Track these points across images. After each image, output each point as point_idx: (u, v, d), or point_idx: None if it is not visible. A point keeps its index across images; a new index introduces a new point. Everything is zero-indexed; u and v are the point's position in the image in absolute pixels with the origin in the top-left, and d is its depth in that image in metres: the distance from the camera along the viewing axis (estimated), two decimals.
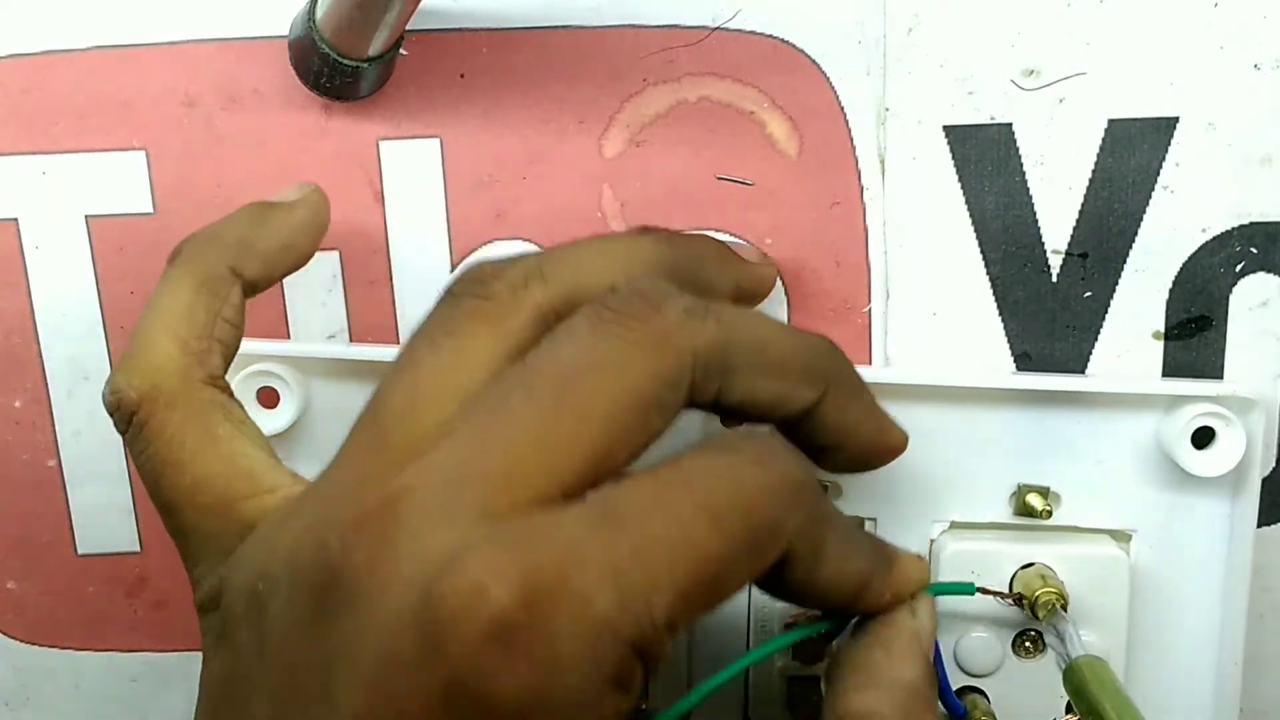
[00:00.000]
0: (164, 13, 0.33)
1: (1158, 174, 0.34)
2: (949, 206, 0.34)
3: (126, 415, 0.28)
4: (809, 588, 0.26)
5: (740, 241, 0.34)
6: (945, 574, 0.33)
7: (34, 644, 0.37)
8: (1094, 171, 0.34)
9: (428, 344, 0.25)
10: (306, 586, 0.23)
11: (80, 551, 0.36)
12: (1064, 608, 0.32)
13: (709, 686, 0.26)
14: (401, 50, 0.32)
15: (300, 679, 0.22)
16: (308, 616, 0.22)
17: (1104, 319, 0.35)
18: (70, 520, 0.36)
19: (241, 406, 0.28)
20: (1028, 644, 0.33)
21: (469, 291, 0.26)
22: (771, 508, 0.24)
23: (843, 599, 0.27)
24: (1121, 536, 0.34)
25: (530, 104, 0.34)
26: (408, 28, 0.32)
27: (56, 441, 0.35)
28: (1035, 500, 0.34)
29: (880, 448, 0.28)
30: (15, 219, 0.34)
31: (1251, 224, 0.34)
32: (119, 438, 0.35)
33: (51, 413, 0.35)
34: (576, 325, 0.25)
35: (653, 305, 0.25)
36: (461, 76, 0.34)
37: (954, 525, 0.34)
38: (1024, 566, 0.33)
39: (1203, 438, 0.33)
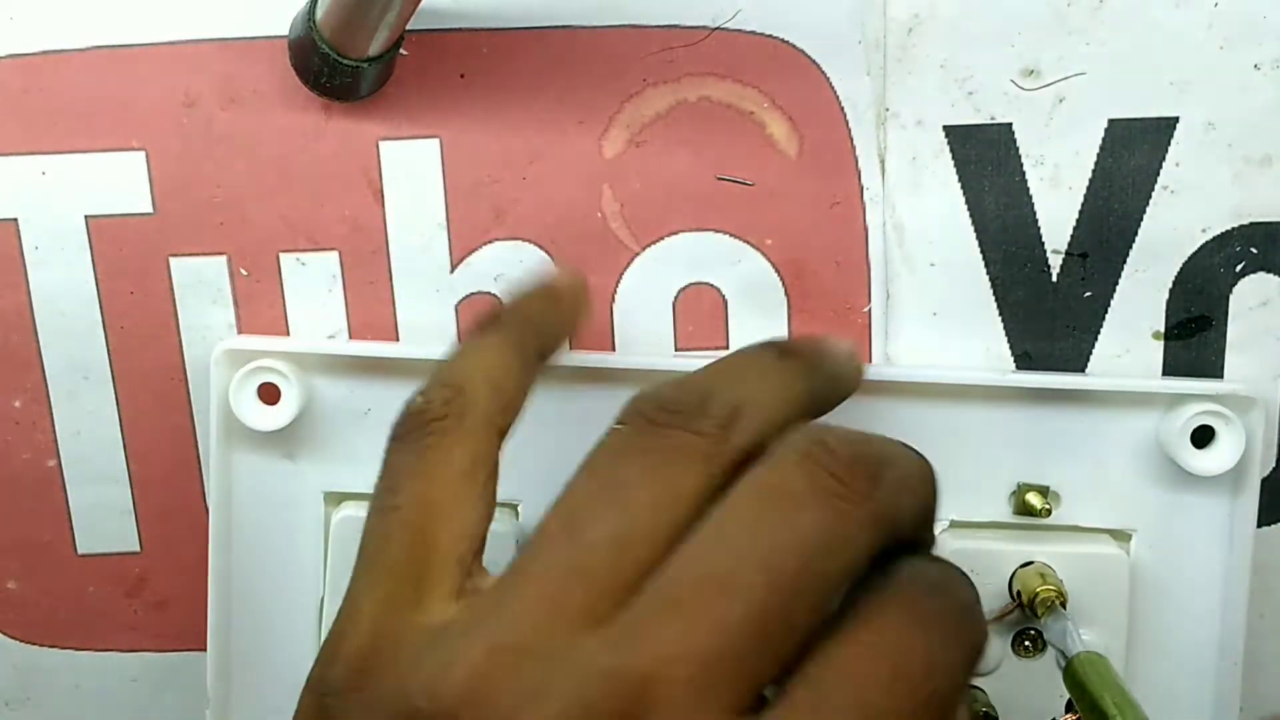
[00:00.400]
0: (164, 13, 0.33)
1: (1158, 174, 0.34)
2: (949, 206, 0.34)
3: (421, 424, 0.26)
4: None
5: (838, 343, 0.31)
6: None
7: (34, 644, 0.37)
8: (1094, 171, 0.34)
9: (644, 470, 0.24)
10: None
11: (80, 551, 0.36)
12: (1063, 605, 0.32)
13: None
14: (401, 50, 0.32)
15: None
16: None
17: (1104, 319, 0.35)
18: (70, 520, 0.36)
19: (497, 474, 0.27)
20: (1026, 643, 0.33)
21: (678, 424, 0.25)
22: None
23: None
24: (1121, 536, 0.34)
25: (530, 104, 0.34)
26: (408, 28, 0.32)
27: (56, 441, 0.35)
28: (1034, 499, 0.34)
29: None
30: (15, 219, 0.34)
31: (1251, 224, 0.34)
32: (119, 437, 0.35)
33: (51, 413, 0.35)
34: (798, 488, 0.23)
35: (872, 478, 0.23)
36: (461, 76, 0.34)
37: (954, 524, 0.34)
38: (1023, 565, 0.33)
39: (1202, 437, 0.33)
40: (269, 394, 0.33)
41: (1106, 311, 0.35)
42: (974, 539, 0.34)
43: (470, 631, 0.22)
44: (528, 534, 0.33)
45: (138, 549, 0.36)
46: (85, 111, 0.33)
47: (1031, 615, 0.32)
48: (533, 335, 0.29)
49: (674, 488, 0.24)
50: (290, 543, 0.34)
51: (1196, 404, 0.33)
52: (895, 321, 0.35)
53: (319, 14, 0.31)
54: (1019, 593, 0.33)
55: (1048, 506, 0.33)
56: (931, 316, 0.35)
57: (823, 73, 0.34)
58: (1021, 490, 0.34)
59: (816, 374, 0.28)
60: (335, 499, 0.34)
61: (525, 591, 0.23)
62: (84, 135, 0.33)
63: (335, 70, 0.32)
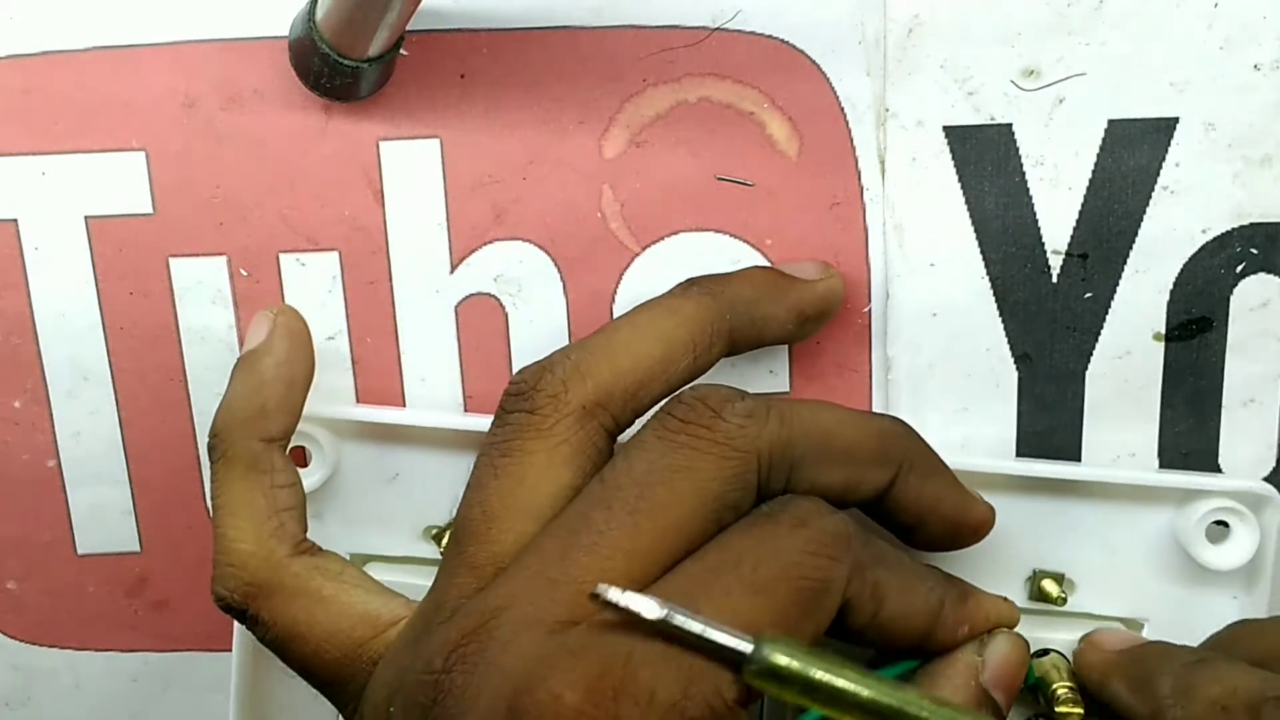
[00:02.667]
0: (164, 13, 0.33)
1: (1158, 174, 0.34)
2: (949, 206, 0.34)
3: (239, 614, 0.29)
4: (876, 629, 0.27)
5: (759, 258, 0.34)
6: None
7: (34, 644, 0.37)
8: (1094, 171, 0.34)
9: (489, 469, 0.27)
10: (416, 704, 0.25)
11: (80, 551, 0.36)
12: (1080, 710, 0.31)
13: None
14: (401, 50, 0.32)
15: None
16: None
17: (1104, 320, 0.35)
18: (70, 520, 0.36)
19: (337, 557, 0.30)
20: None
21: (515, 408, 0.28)
22: (815, 567, 0.25)
23: (914, 634, 0.28)
24: (1133, 625, 0.34)
25: (530, 104, 0.34)
26: (408, 28, 0.32)
27: (56, 441, 0.35)
28: (1050, 586, 0.33)
29: (961, 523, 0.29)
30: (15, 219, 0.34)
31: (1251, 224, 0.34)
32: (119, 437, 0.35)
33: (51, 413, 0.35)
34: (645, 438, 0.27)
35: (714, 410, 0.26)
36: (461, 76, 0.34)
37: None
38: (1038, 654, 0.33)
39: (1216, 530, 0.33)
40: (298, 456, 0.33)
41: (1107, 312, 0.34)
42: None
43: (405, 644, 0.27)
44: None
45: (138, 549, 0.36)
46: (85, 111, 0.33)
47: (1047, 706, 0.32)
48: (244, 436, 0.31)
49: (517, 473, 0.27)
50: None
51: (1211, 500, 0.33)
52: (895, 321, 0.35)
53: (319, 14, 0.31)
54: (1038, 681, 0.32)
55: (1063, 595, 0.33)
56: (931, 317, 0.35)
57: (823, 73, 0.34)
58: (1037, 577, 0.34)
59: (718, 298, 0.30)
60: (361, 561, 0.34)
61: (439, 585, 0.27)
62: (84, 135, 0.33)
63: (335, 70, 0.32)
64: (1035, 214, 0.34)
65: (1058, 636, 0.33)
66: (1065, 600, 0.33)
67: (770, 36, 0.33)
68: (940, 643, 0.28)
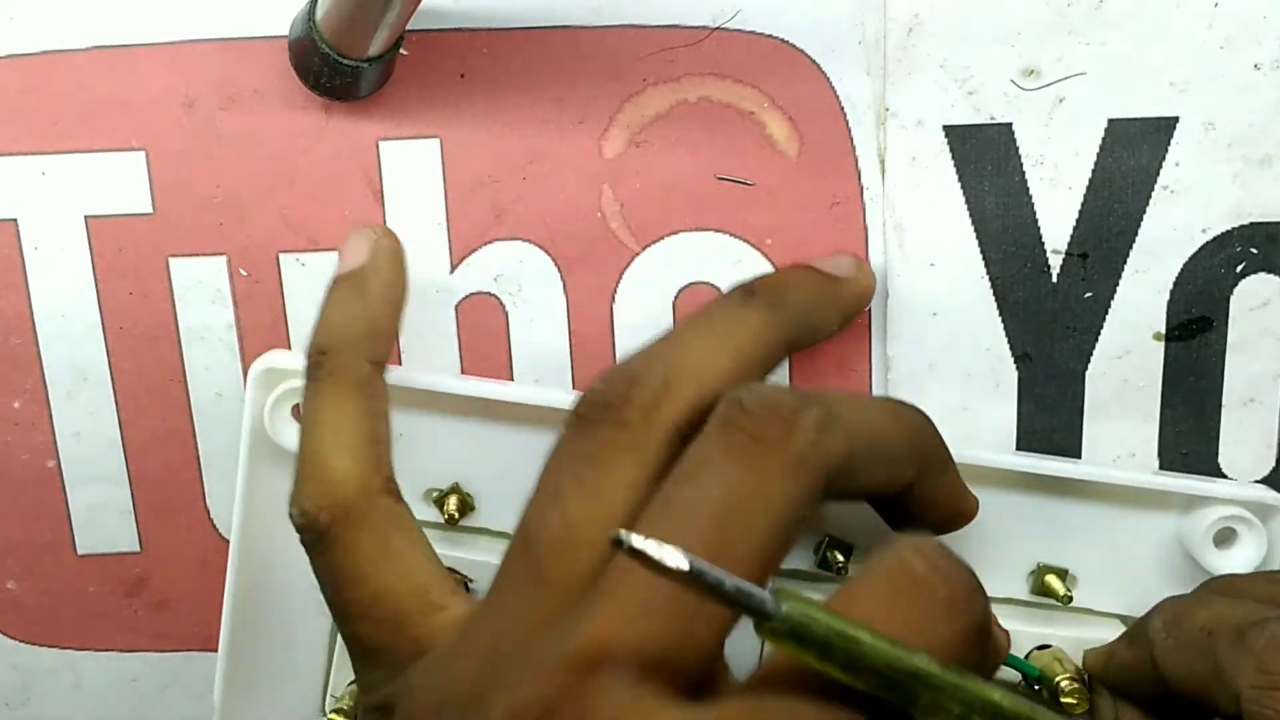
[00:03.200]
0: (164, 13, 0.33)
1: (1158, 174, 0.34)
2: (949, 206, 0.34)
3: (316, 535, 0.28)
4: None
5: (840, 259, 0.33)
6: None
7: (34, 644, 0.37)
8: (1094, 171, 0.34)
9: (572, 478, 0.26)
10: None
11: (80, 551, 0.36)
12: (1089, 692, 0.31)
13: None
14: (401, 50, 0.32)
15: None
16: None
17: (1104, 319, 0.35)
18: (70, 520, 0.36)
19: (411, 513, 0.29)
20: None
21: (604, 419, 0.26)
22: (950, 658, 0.24)
23: None
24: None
25: (530, 104, 0.34)
26: (408, 28, 0.32)
27: (56, 442, 0.35)
28: (1055, 584, 0.33)
29: (956, 514, 0.30)
30: (15, 219, 0.34)
31: (1251, 224, 0.34)
32: (119, 437, 0.35)
33: (51, 413, 0.35)
34: (711, 453, 0.25)
35: (785, 423, 0.25)
36: (461, 76, 0.34)
37: None
38: (1039, 647, 0.33)
39: (1223, 536, 0.33)
40: (299, 413, 0.33)
41: (1107, 312, 0.34)
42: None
43: (462, 654, 0.25)
44: None
45: (138, 549, 0.36)
46: (85, 111, 0.33)
47: (1051, 699, 0.31)
48: (356, 356, 0.30)
49: (603, 486, 0.25)
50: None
51: (1218, 507, 0.33)
52: (895, 322, 0.35)
53: (319, 14, 0.31)
54: (1040, 675, 0.32)
55: (1069, 594, 0.33)
56: (931, 317, 0.35)
57: (823, 73, 0.34)
58: (1041, 571, 0.34)
59: (781, 310, 0.29)
60: None
61: (505, 598, 0.25)
62: (84, 135, 0.33)
63: (335, 70, 0.32)
64: (1035, 214, 0.34)
65: (1059, 633, 0.33)
66: (1070, 599, 0.33)
67: (770, 36, 0.33)
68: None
